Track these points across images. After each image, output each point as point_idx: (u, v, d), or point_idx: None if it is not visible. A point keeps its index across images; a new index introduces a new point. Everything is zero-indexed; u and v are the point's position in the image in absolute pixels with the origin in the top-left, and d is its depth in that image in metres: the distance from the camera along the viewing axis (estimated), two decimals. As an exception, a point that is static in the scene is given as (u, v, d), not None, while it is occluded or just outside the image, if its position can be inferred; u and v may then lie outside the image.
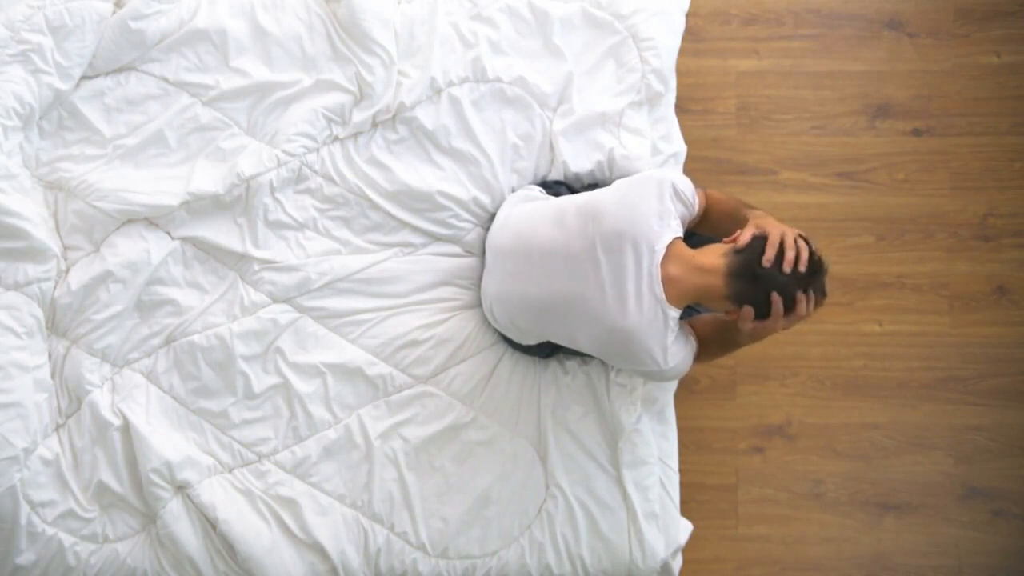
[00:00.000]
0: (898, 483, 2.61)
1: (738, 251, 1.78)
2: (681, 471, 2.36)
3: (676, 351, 1.88)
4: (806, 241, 1.79)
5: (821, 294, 1.79)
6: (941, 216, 2.64)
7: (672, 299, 1.84)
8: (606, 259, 1.87)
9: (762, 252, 1.76)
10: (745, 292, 1.78)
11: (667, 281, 1.84)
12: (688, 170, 2.50)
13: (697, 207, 1.95)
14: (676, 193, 1.88)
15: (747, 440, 2.62)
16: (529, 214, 2.10)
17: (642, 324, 1.84)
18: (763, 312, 1.78)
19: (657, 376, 1.94)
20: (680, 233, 1.88)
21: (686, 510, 2.47)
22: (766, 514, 2.61)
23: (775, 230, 1.77)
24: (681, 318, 1.93)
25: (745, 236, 1.79)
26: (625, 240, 1.85)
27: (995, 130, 2.65)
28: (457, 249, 2.28)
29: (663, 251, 1.84)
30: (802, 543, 2.61)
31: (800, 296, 1.75)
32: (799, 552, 2.61)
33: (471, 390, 2.22)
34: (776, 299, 1.75)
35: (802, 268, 1.74)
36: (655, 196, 1.87)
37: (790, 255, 1.74)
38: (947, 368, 2.63)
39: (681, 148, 2.36)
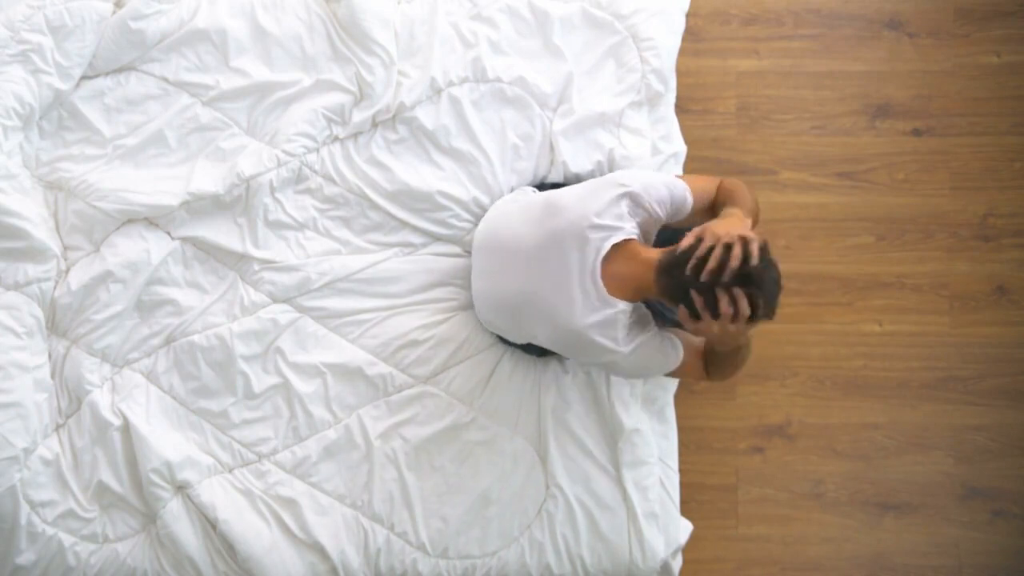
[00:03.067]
0: (898, 483, 2.61)
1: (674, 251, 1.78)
2: (681, 471, 2.36)
3: (632, 342, 1.88)
4: (748, 247, 1.71)
5: (765, 306, 1.72)
6: (941, 216, 2.64)
7: (615, 293, 1.86)
8: (557, 255, 1.90)
9: (690, 253, 1.75)
10: (670, 288, 1.77)
11: (611, 277, 1.86)
12: (688, 170, 2.50)
13: (671, 211, 1.92)
14: (633, 200, 1.88)
15: (747, 440, 2.62)
16: (505, 212, 2.13)
17: (589, 318, 1.86)
18: (693, 312, 1.75)
19: (625, 370, 1.94)
20: (634, 235, 1.88)
21: (686, 510, 2.47)
22: (766, 514, 2.61)
23: (711, 236, 1.74)
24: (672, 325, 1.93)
25: (686, 240, 1.78)
26: (575, 237, 1.87)
27: (995, 130, 2.65)
28: (457, 249, 2.28)
29: (607, 249, 1.85)
30: (802, 543, 2.61)
31: (720, 294, 1.70)
32: (799, 552, 2.61)
33: (471, 390, 2.22)
34: (696, 297, 1.73)
35: (725, 277, 1.70)
36: (610, 199, 1.88)
37: (711, 265, 1.70)
38: (947, 368, 2.63)
39: (681, 148, 2.36)
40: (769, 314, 1.74)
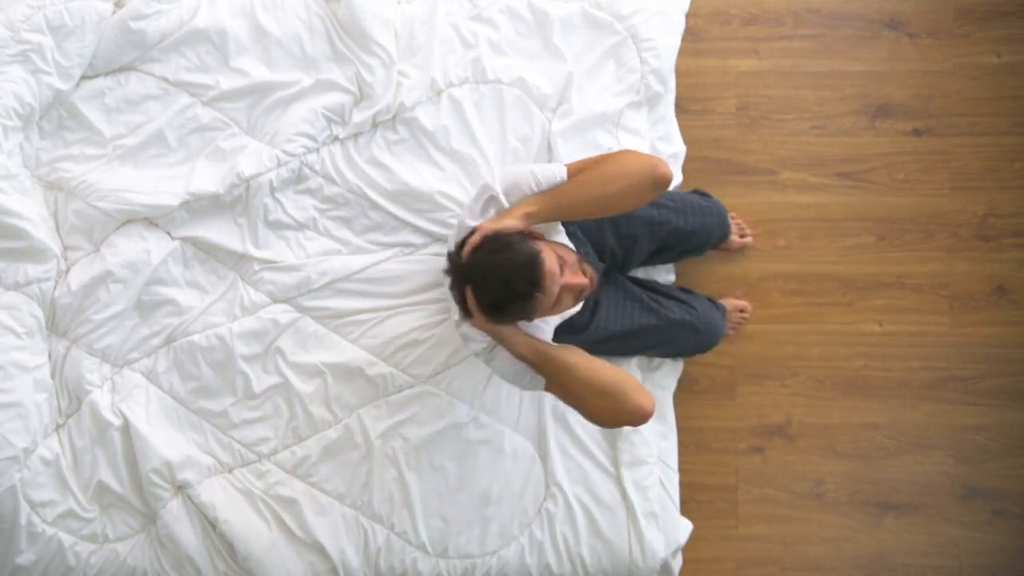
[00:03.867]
0: (898, 483, 2.61)
1: None
2: (681, 471, 2.36)
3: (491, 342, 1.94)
4: (478, 247, 1.80)
5: (478, 300, 1.79)
6: (941, 216, 2.64)
7: None
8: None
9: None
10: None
11: None
12: (688, 170, 2.50)
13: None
14: (497, 203, 1.91)
15: (747, 440, 2.62)
16: None
17: (457, 313, 1.92)
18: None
19: (498, 368, 1.95)
20: None
21: (686, 510, 2.46)
22: (766, 514, 2.61)
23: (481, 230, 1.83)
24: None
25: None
26: (459, 237, 1.93)
27: (995, 130, 2.65)
28: (457, 249, 2.28)
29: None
30: (802, 543, 2.61)
31: (448, 285, 1.87)
32: (799, 552, 2.61)
33: (471, 389, 2.22)
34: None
35: (446, 271, 1.86)
36: (482, 203, 1.93)
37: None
38: (947, 368, 2.62)
39: (680, 148, 2.36)
40: (486, 310, 1.78)
